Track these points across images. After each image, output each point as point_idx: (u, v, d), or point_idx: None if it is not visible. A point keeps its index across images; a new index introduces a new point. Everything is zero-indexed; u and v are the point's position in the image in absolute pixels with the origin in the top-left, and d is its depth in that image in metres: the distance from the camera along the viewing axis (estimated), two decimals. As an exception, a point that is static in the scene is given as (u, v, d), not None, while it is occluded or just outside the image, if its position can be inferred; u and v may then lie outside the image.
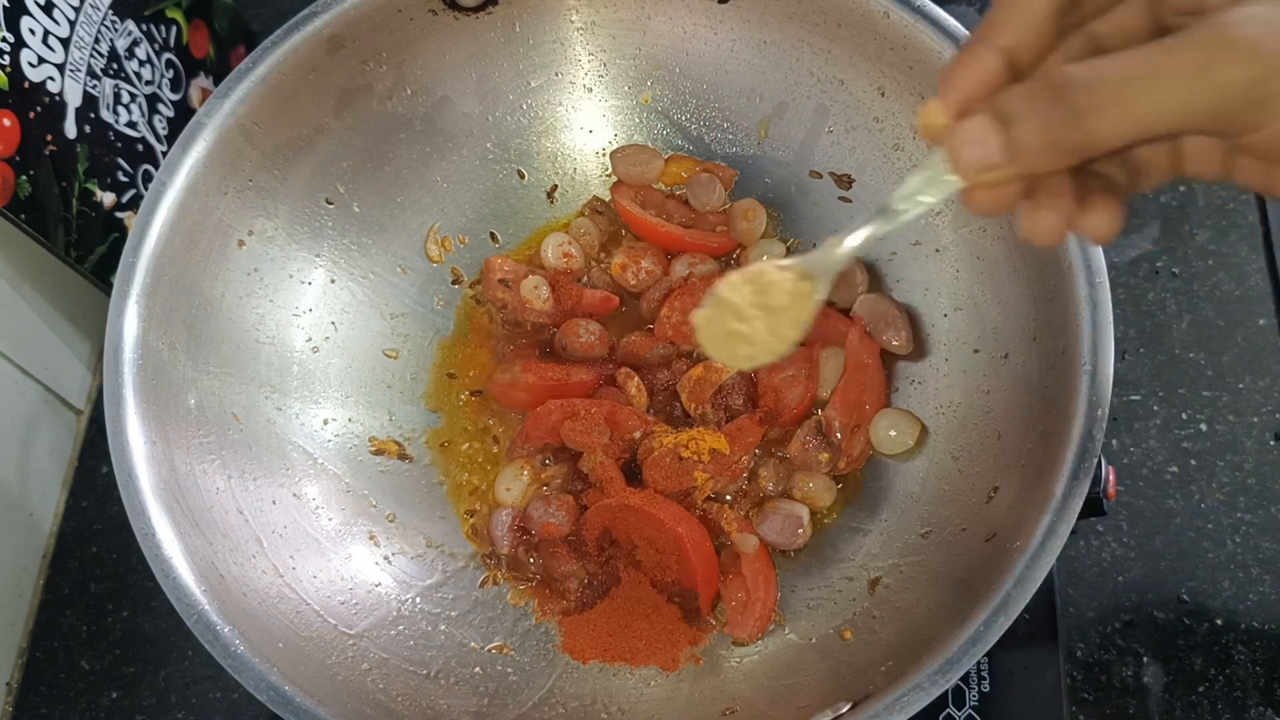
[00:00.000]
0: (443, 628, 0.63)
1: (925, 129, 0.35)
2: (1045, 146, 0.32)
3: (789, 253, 0.72)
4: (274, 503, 0.63)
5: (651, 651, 0.62)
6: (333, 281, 0.71)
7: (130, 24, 0.78)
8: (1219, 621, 0.67)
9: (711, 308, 0.41)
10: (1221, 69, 0.30)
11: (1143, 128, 0.31)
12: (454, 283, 0.75)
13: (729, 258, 0.73)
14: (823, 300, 0.41)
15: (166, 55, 0.83)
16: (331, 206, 0.70)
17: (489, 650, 0.63)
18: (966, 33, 0.60)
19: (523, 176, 0.76)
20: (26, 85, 0.68)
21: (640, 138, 0.76)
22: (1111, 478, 0.57)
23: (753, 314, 0.41)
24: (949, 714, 0.62)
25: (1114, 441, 0.72)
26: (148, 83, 0.80)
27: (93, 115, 0.74)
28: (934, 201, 0.36)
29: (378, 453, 0.69)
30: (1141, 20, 0.36)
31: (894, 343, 0.66)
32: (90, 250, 0.75)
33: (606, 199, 0.76)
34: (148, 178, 0.80)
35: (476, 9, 0.69)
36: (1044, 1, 0.34)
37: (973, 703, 0.62)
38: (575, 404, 0.67)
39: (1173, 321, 0.76)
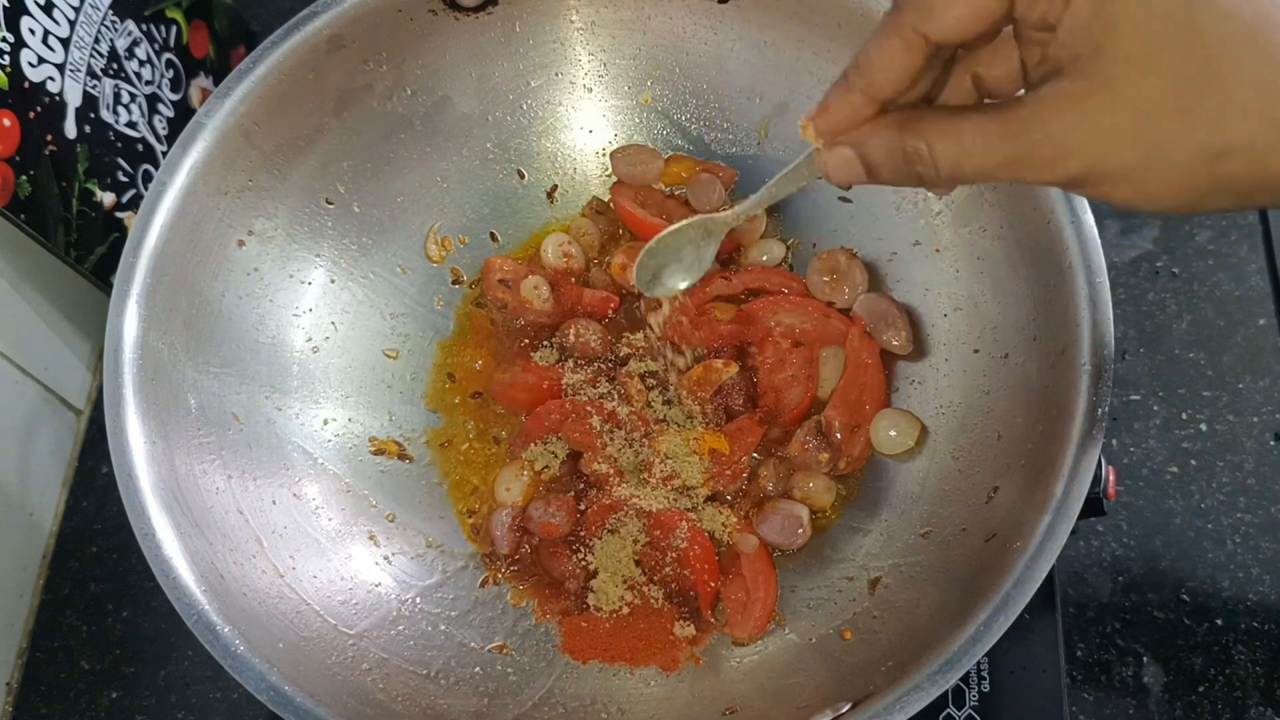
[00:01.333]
0: (443, 628, 0.63)
1: (805, 135, 0.43)
2: (897, 182, 0.41)
3: (789, 253, 0.73)
4: (274, 503, 0.63)
5: (651, 651, 0.62)
6: (333, 281, 0.71)
7: (130, 24, 0.78)
8: (1219, 621, 0.67)
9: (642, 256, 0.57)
10: (1034, 160, 0.37)
11: (968, 183, 0.41)
12: (454, 283, 0.75)
13: (729, 257, 0.73)
14: (716, 248, 0.57)
15: (166, 55, 0.83)
16: (331, 206, 0.70)
17: (489, 650, 0.63)
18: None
19: (523, 176, 0.76)
20: (26, 85, 0.68)
21: (640, 138, 0.76)
22: (1111, 478, 0.57)
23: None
24: (949, 714, 0.62)
25: (1114, 441, 0.72)
26: (148, 83, 0.80)
27: (93, 115, 0.74)
28: (806, 184, 0.47)
29: (378, 453, 0.69)
30: (1009, 67, 0.41)
31: (894, 343, 0.66)
32: (90, 250, 0.75)
33: (606, 199, 0.76)
34: (148, 178, 0.80)
35: (476, 9, 0.69)
36: (905, 64, 0.39)
37: (973, 703, 0.62)
38: (575, 404, 0.67)
39: (1173, 321, 0.76)
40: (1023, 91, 0.40)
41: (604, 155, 0.76)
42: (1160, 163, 0.35)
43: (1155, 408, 0.73)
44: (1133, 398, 0.73)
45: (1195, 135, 0.35)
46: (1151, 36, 0.34)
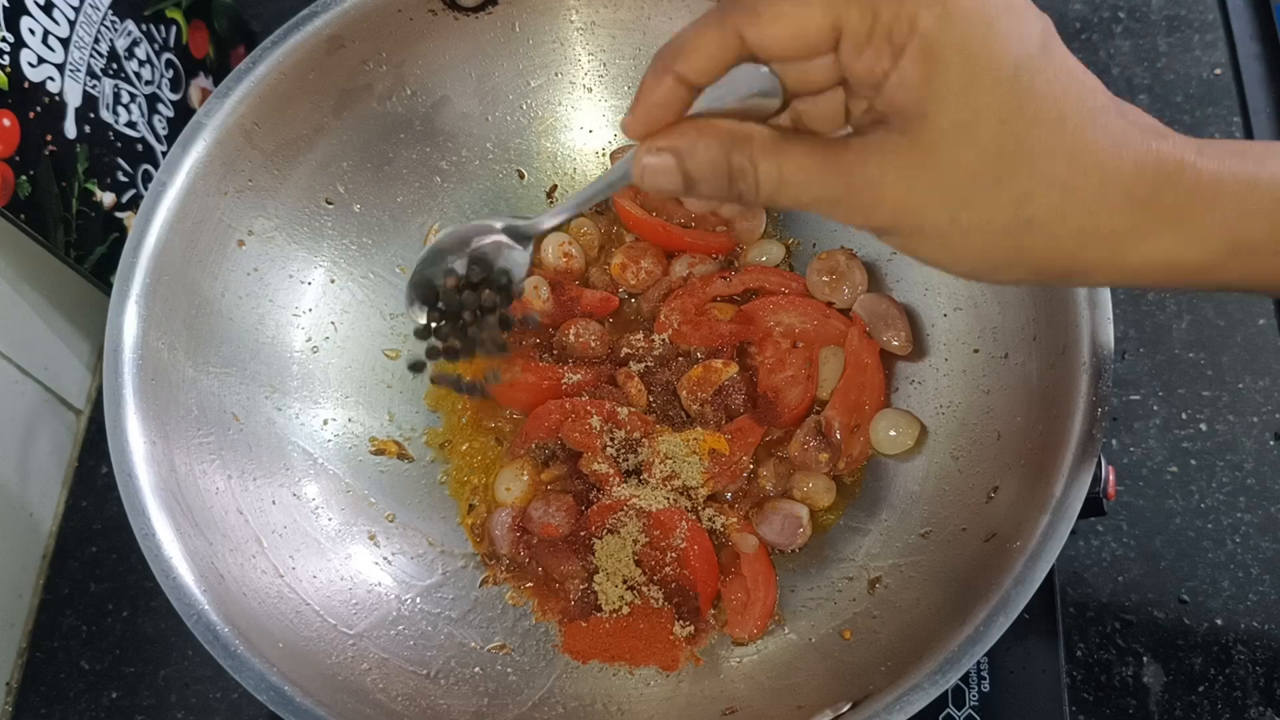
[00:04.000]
0: (443, 628, 0.63)
1: (626, 133, 0.42)
2: (712, 197, 0.40)
3: (788, 253, 0.73)
4: (274, 503, 0.63)
5: (651, 651, 0.62)
6: (333, 281, 0.71)
7: (130, 24, 0.78)
8: (1219, 621, 0.67)
9: None
10: (849, 204, 0.38)
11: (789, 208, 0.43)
12: (454, 283, 0.75)
13: (729, 258, 0.73)
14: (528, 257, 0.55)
15: (166, 55, 0.83)
16: (331, 206, 0.70)
17: (489, 650, 0.63)
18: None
19: (523, 176, 0.76)
20: (26, 85, 0.68)
21: (640, 138, 0.76)
22: (1111, 478, 0.57)
23: None
24: (949, 714, 0.62)
25: (1114, 441, 0.72)
26: (147, 83, 0.80)
27: (92, 115, 0.74)
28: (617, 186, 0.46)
29: (378, 453, 0.69)
30: (833, 107, 0.41)
31: (894, 343, 0.66)
32: (90, 250, 0.75)
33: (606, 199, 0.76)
34: (148, 178, 0.80)
35: (476, 9, 0.69)
36: (717, 58, 0.40)
37: (973, 703, 0.62)
38: (575, 404, 0.67)
39: (1173, 321, 0.76)
40: (848, 130, 0.41)
41: (604, 155, 0.76)
42: (967, 229, 0.37)
43: (1155, 408, 0.73)
44: (1133, 398, 0.73)
45: (1003, 208, 0.36)
46: (977, 110, 0.35)
